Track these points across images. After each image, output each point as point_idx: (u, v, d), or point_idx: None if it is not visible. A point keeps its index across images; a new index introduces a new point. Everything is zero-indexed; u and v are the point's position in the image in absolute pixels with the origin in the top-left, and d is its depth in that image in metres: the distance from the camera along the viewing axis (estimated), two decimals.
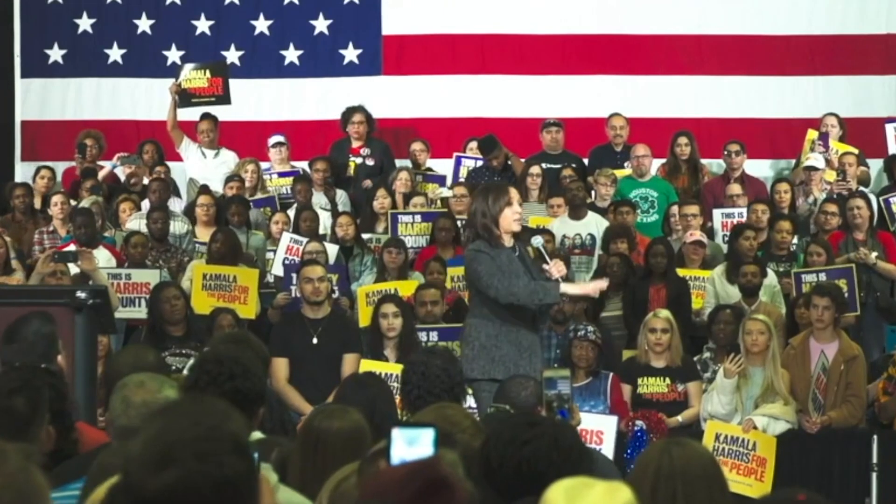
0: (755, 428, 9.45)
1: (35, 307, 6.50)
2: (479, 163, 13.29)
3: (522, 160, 13.19)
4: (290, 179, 13.16)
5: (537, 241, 7.81)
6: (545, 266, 7.67)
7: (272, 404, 5.93)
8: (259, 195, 12.94)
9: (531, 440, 3.59)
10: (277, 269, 11.54)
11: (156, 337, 9.87)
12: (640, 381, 9.89)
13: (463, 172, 13.26)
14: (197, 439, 2.57)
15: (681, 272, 11.24)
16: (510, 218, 7.69)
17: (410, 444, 3.00)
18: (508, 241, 7.74)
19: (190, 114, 13.63)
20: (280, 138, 13.64)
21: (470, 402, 7.66)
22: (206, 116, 13.59)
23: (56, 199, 12.20)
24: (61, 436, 4.33)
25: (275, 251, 11.76)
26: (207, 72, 13.57)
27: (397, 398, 6.06)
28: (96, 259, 10.61)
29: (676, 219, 12.12)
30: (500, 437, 3.63)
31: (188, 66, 13.68)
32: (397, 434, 3.02)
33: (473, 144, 13.58)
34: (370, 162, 13.35)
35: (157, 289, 10.33)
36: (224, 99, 13.54)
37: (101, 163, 13.54)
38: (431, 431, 3.01)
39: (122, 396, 4.47)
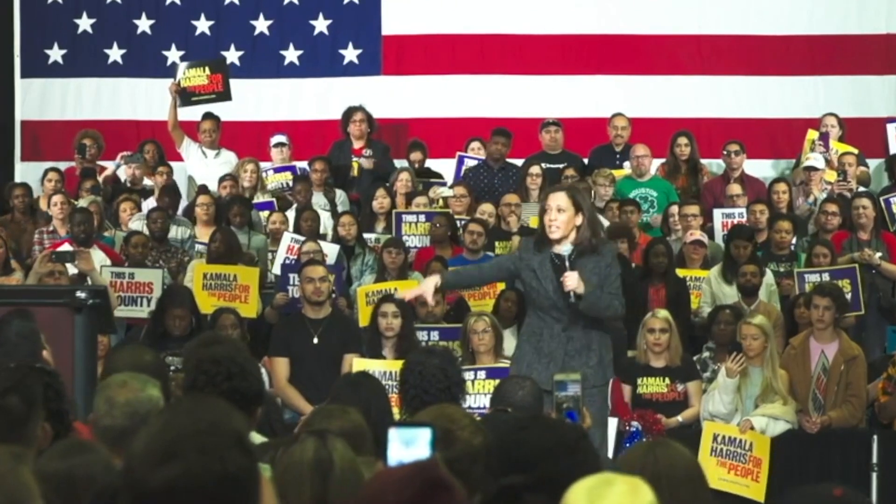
0: (752, 429, 9.45)
1: (33, 307, 6.49)
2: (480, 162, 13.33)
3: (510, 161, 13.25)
4: (287, 174, 13.17)
5: (565, 249, 7.70)
6: (561, 278, 7.64)
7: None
8: (259, 196, 12.93)
9: (528, 426, 3.60)
10: (278, 269, 11.54)
11: (156, 337, 9.83)
12: (639, 381, 9.88)
13: (463, 173, 13.28)
14: (199, 434, 2.57)
15: (681, 272, 11.24)
16: (545, 224, 7.64)
17: (408, 445, 3.00)
18: (559, 247, 7.64)
19: (192, 114, 13.62)
20: (282, 138, 13.64)
21: (470, 402, 7.66)
22: (208, 116, 13.58)
23: (56, 198, 12.20)
24: (60, 435, 4.32)
25: (275, 252, 11.76)
26: (206, 69, 13.55)
27: (392, 397, 6.06)
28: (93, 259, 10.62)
29: (675, 219, 12.12)
30: (502, 427, 3.64)
31: (183, 65, 13.67)
32: (394, 434, 3.02)
33: (475, 144, 13.59)
34: (368, 165, 13.28)
35: (164, 303, 10.14)
36: (225, 95, 13.52)
37: (100, 163, 13.55)
38: (428, 431, 3.01)
39: (106, 396, 4.47)
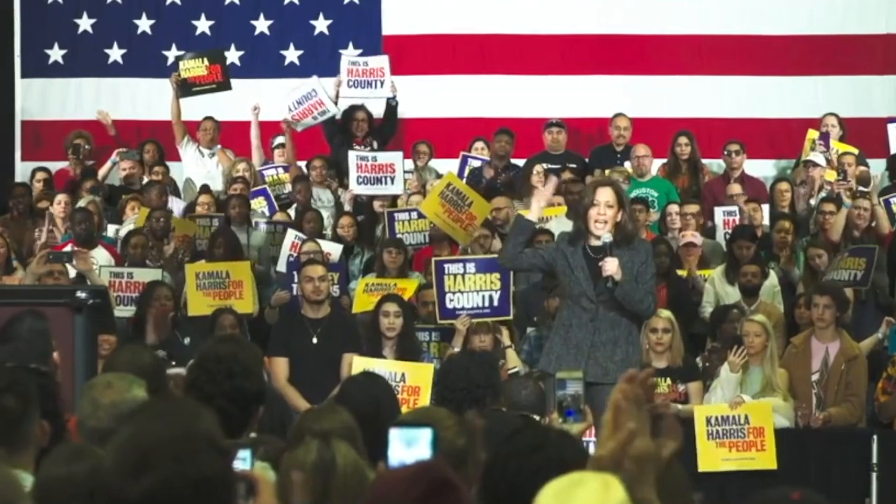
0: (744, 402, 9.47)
1: (35, 307, 6.49)
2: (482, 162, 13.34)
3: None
4: (286, 175, 13.20)
5: (605, 238, 7.80)
6: (600, 263, 7.76)
7: (272, 403, 5.93)
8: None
9: (539, 469, 3.54)
10: (282, 267, 11.54)
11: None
12: None
13: (467, 173, 13.28)
14: (172, 441, 2.55)
15: (681, 272, 11.25)
16: (592, 217, 7.77)
17: (409, 445, 3.00)
18: (596, 240, 7.79)
19: (193, 113, 13.64)
20: (282, 139, 13.67)
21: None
22: (208, 118, 13.66)
23: (59, 198, 12.26)
24: (56, 436, 4.32)
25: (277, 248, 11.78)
26: (205, 60, 13.60)
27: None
28: (93, 259, 10.62)
29: (672, 217, 12.09)
30: (504, 467, 3.55)
31: (186, 56, 13.71)
32: (395, 434, 3.02)
33: (479, 144, 13.59)
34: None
35: (146, 295, 10.23)
36: (224, 85, 13.57)
37: (93, 162, 13.61)
38: (429, 432, 3.01)
39: (91, 398, 4.46)
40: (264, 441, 4.73)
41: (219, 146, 13.67)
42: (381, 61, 13.63)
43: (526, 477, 3.40)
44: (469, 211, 11.15)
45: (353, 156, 12.72)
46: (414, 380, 9.33)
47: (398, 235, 11.77)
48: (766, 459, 9.35)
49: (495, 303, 10.13)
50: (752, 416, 9.43)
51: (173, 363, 8.79)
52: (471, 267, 10.18)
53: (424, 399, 9.20)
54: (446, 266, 10.21)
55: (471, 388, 5.91)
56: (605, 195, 7.78)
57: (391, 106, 13.66)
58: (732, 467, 9.32)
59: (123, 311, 10.62)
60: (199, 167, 13.52)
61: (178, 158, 13.75)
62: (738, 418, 9.43)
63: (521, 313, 10.50)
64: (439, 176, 13.26)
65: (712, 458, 9.36)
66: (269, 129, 13.96)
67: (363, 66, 13.56)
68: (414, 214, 11.95)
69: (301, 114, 13.36)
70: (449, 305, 10.13)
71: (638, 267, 7.77)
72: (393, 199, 12.58)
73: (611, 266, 7.63)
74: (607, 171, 12.51)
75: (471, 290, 10.11)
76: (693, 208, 11.93)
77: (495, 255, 9.60)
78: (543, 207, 8.15)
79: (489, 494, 3.49)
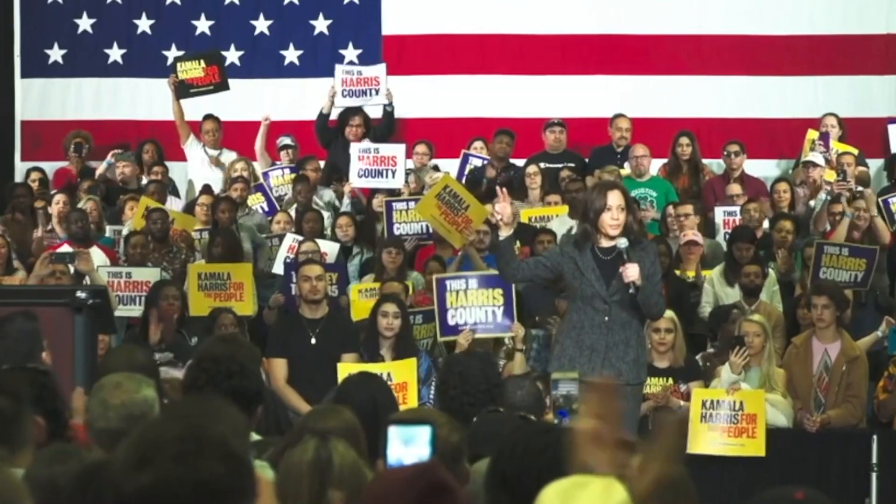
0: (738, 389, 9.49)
1: (35, 307, 6.50)
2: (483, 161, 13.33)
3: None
4: (291, 176, 13.23)
5: (622, 243, 7.78)
6: (621, 269, 7.73)
7: (268, 403, 5.94)
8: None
9: (546, 448, 3.58)
10: (279, 269, 11.53)
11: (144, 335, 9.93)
12: None
13: (468, 171, 13.28)
14: (176, 441, 2.53)
15: (689, 273, 11.25)
16: (606, 222, 7.72)
17: (407, 443, 3.00)
18: (610, 241, 7.77)
19: (193, 114, 13.65)
20: (288, 140, 13.68)
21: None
22: (209, 117, 13.64)
23: (58, 198, 12.24)
24: (56, 435, 4.32)
25: (277, 247, 11.77)
26: (202, 61, 13.61)
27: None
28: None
29: (673, 218, 12.08)
30: (513, 450, 3.60)
31: (184, 57, 13.73)
32: (394, 432, 3.01)
33: (478, 144, 13.58)
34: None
35: (155, 293, 10.27)
36: (222, 86, 13.58)
37: (91, 162, 13.60)
38: (428, 429, 3.00)
39: (100, 398, 4.45)
40: (272, 442, 4.73)
41: (222, 151, 13.64)
42: (377, 70, 13.59)
43: (533, 457, 3.43)
44: (465, 214, 11.14)
45: (354, 148, 12.74)
46: (400, 376, 9.27)
47: (395, 225, 11.75)
48: (754, 447, 9.36)
49: (498, 318, 10.12)
50: (747, 403, 9.44)
51: (180, 364, 8.80)
52: (472, 283, 10.16)
53: (413, 392, 9.19)
54: (448, 283, 10.20)
55: (468, 390, 5.90)
56: (616, 199, 7.75)
57: (387, 112, 13.63)
58: (721, 452, 9.33)
59: (122, 312, 10.63)
60: (206, 168, 13.49)
61: (177, 158, 13.74)
62: (734, 404, 9.43)
63: (524, 313, 10.50)
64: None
65: (703, 441, 9.38)
66: (274, 130, 13.96)
67: (357, 76, 13.52)
68: (412, 205, 11.93)
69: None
70: (451, 322, 10.12)
71: (648, 268, 7.77)
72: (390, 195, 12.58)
73: (632, 272, 7.60)
74: (597, 172, 12.52)
75: (473, 304, 10.10)
76: (687, 209, 11.87)
77: (496, 272, 9.56)
78: (508, 222, 8.00)
79: (497, 477, 3.52)
